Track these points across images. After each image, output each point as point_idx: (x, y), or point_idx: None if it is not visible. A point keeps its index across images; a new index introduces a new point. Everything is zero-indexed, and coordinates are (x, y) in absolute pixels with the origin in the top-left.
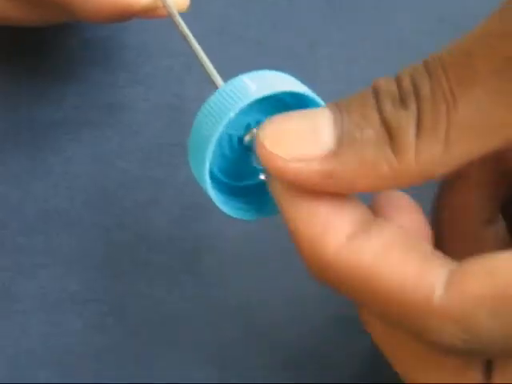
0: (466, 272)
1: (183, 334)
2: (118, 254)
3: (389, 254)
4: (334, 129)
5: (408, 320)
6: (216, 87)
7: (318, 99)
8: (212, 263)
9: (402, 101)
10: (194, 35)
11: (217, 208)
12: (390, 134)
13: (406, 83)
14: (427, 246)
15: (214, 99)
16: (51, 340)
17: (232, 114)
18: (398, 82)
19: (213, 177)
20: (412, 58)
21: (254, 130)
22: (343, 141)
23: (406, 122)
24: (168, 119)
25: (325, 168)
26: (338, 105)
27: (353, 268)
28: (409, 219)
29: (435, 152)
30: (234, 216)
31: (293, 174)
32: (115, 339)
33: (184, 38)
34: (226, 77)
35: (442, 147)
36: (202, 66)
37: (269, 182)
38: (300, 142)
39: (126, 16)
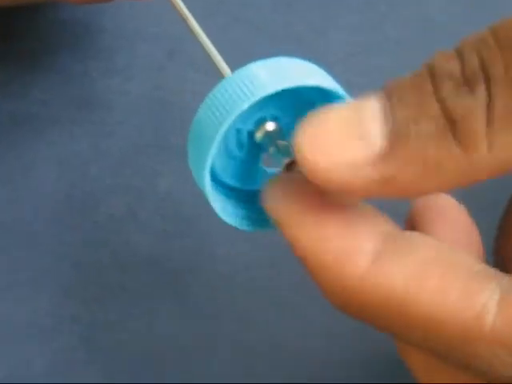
0: None
1: (166, 376)
2: (88, 276)
3: (425, 274)
4: (385, 123)
5: (454, 348)
6: (222, 76)
7: (343, 92)
8: (199, 288)
9: (467, 85)
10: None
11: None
12: (454, 125)
13: (471, 61)
14: (474, 260)
15: (221, 89)
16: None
17: (245, 106)
18: (461, 59)
19: (214, 178)
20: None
21: (267, 126)
22: (397, 137)
23: (473, 109)
24: (148, 116)
25: (380, 173)
26: (387, 92)
27: (383, 296)
28: (453, 229)
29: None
30: (235, 225)
31: (341, 183)
32: (85, 379)
33: (183, 19)
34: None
35: None
36: (205, 51)
37: (262, 193)
38: (345, 143)
39: None
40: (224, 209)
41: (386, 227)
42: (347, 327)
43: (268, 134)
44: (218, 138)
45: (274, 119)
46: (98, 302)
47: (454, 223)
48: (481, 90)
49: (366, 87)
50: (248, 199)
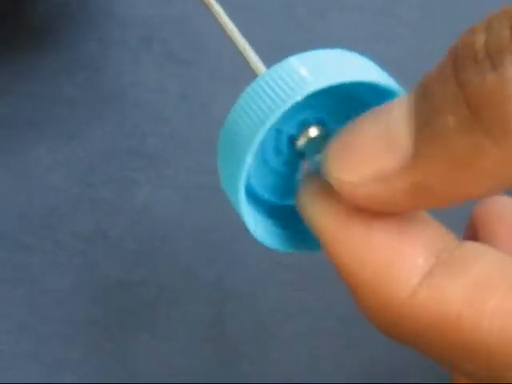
0: None
1: None
2: (48, 306)
3: (485, 294)
4: (411, 124)
5: None
6: (255, 73)
7: (398, 87)
8: (180, 319)
9: (494, 59)
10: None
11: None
12: (478, 111)
13: (500, 32)
14: None
15: (257, 87)
16: None
17: (288, 105)
18: (488, 31)
19: (247, 190)
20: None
21: (310, 132)
22: (423, 137)
23: (498, 88)
24: (120, 117)
25: (408, 181)
26: (416, 88)
27: (435, 320)
28: None
29: None
30: (269, 245)
31: (369, 200)
32: None
33: (206, 5)
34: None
35: None
36: (236, 47)
37: (301, 204)
38: (372, 154)
39: None
40: (258, 226)
41: (441, 237)
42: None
43: (311, 140)
44: (256, 142)
45: (319, 122)
46: (60, 337)
47: None
48: (509, 63)
49: None
50: (285, 215)
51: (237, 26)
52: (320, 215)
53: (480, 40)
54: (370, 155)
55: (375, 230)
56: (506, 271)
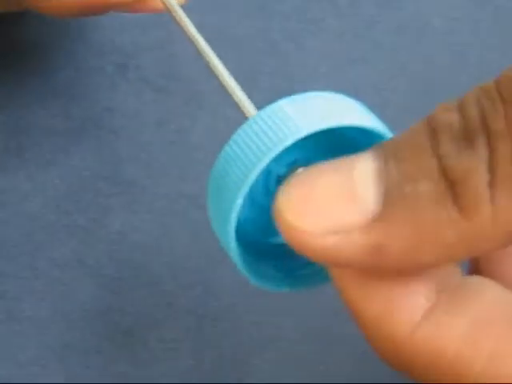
0: None
1: None
2: (26, 334)
3: (481, 335)
4: (379, 183)
5: None
6: (244, 115)
7: (386, 131)
8: (158, 346)
9: (468, 139)
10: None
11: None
12: (454, 186)
13: (472, 114)
14: None
15: (248, 130)
16: None
17: (274, 154)
18: (462, 111)
19: (238, 231)
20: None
21: (300, 171)
22: (391, 199)
23: (474, 169)
24: (97, 144)
25: (368, 240)
26: (384, 148)
27: (433, 357)
28: None
29: None
30: (262, 286)
31: (325, 252)
32: None
33: (192, 40)
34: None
35: None
36: (224, 86)
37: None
38: (333, 205)
39: (100, 8)
40: (248, 266)
41: (445, 274)
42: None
43: None
44: (247, 185)
45: (308, 162)
46: (36, 364)
47: None
48: (481, 145)
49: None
50: (274, 254)
51: (212, 51)
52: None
53: (456, 119)
54: (330, 205)
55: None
56: (506, 308)
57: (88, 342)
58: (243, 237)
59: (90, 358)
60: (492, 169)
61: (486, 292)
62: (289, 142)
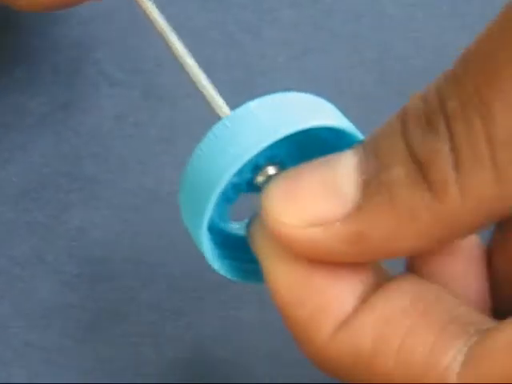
0: (486, 347)
1: None
2: None
3: (391, 331)
4: (359, 175)
5: None
6: (216, 114)
7: (356, 131)
8: (120, 341)
9: (430, 123)
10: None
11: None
12: (422, 169)
13: (432, 98)
14: (456, 303)
15: (219, 134)
16: None
17: (248, 157)
18: (424, 98)
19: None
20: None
21: (269, 170)
22: (369, 189)
23: (438, 151)
24: (55, 140)
25: (349, 229)
26: (364, 144)
27: (352, 356)
28: (455, 268)
29: (483, 182)
30: (225, 275)
31: (308, 244)
32: None
33: (160, 34)
34: None
35: (490, 174)
36: (195, 83)
37: (251, 238)
38: (315, 199)
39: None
40: (216, 257)
41: (373, 275)
42: None
43: (270, 178)
44: (220, 187)
45: (278, 162)
46: (0, 362)
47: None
48: (442, 127)
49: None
50: (244, 247)
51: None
52: (266, 248)
53: (421, 104)
54: (313, 199)
55: (315, 273)
56: (419, 302)
57: (49, 339)
58: (214, 230)
59: (51, 355)
60: (454, 149)
61: (404, 286)
62: (263, 145)
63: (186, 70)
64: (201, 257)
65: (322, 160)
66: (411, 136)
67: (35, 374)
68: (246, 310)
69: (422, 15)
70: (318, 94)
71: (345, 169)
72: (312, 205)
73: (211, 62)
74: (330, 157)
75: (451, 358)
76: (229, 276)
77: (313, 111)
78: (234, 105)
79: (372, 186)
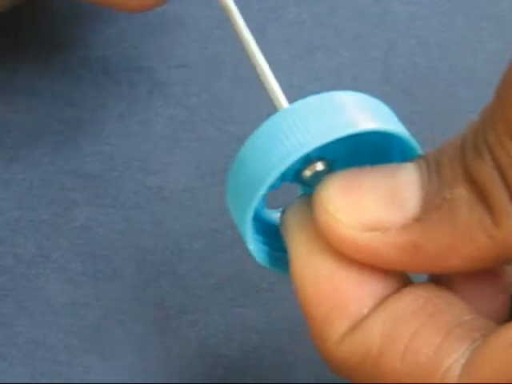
0: (486, 349)
1: None
2: None
3: (398, 332)
4: (421, 190)
5: None
6: (275, 106)
7: (412, 140)
8: (125, 339)
9: (475, 147)
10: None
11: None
12: (482, 192)
13: (478, 127)
14: (464, 309)
15: (274, 126)
16: None
17: (291, 160)
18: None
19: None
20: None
21: (317, 165)
22: (430, 203)
23: (486, 172)
24: (59, 138)
25: (406, 238)
26: (427, 158)
27: (358, 356)
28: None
29: None
30: (259, 260)
31: (360, 247)
32: None
33: (235, 29)
34: None
35: None
36: (258, 75)
37: (284, 227)
38: (376, 205)
39: None
40: (251, 240)
41: (396, 280)
42: None
43: (317, 173)
44: (269, 182)
45: (323, 157)
46: (2, 360)
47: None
48: (485, 152)
49: (315, 93)
50: (275, 234)
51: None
52: (297, 238)
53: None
54: (374, 205)
55: (341, 271)
56: (429, 303)
57: (54, 337)
58: (259, 219)
59: (56, 353)
60: (501, 173)
61: (416, 291)
62: (316, 144)
63: (252, 61)
64: (205, 255)
65: (383, 167)
66: (466, 158)
67: (40, 373)
68: (251, 309)
69: (426, 13)
70: (322, 92)
71: (407, 180)
72: (372, 209)
73: (216, 60)
74: (391, 166)
75: (454, 359)
76: (258, 259)
77: (373, 113)
78: (236, 101)
79: (434, 201)
